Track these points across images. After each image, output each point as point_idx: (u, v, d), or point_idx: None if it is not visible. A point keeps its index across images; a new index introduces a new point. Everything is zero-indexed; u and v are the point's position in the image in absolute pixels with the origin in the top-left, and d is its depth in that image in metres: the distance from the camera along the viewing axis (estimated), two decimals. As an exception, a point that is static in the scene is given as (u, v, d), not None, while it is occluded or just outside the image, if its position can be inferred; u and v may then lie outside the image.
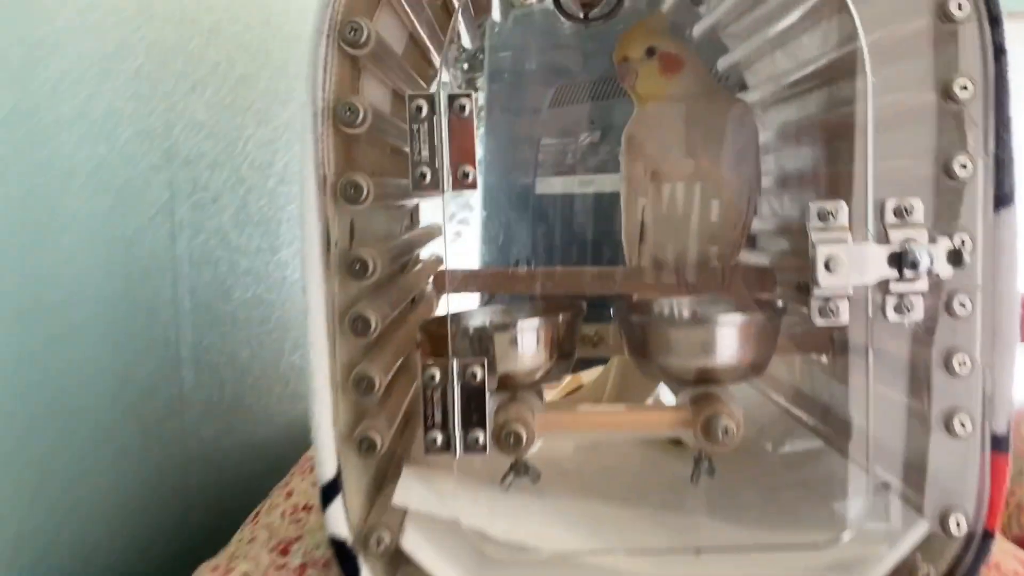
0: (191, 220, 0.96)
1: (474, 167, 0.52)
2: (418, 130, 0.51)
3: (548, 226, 1.40)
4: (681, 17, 0.95)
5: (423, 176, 0.52)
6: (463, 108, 0.51)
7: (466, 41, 0.92)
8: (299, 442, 0.86)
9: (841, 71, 0.67)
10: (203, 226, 0.99)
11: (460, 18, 0.82)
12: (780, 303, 0.70)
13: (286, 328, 1.18)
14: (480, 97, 1.60)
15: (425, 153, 0.52)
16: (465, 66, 1.47)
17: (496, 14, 0.92)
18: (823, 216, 0.53)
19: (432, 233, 0.87)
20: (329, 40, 0.52)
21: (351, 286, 0.53)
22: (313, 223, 0.51)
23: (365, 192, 0.52)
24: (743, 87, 0.96)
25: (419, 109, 0.51)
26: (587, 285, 0.85)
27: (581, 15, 0.92)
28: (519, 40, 1.38)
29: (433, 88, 0.61)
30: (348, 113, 0.51)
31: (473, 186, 0.51)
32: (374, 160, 0.60)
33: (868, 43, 0.55)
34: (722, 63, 0.95)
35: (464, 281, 0.83)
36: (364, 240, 0.56)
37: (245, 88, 1.09)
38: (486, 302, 0.83)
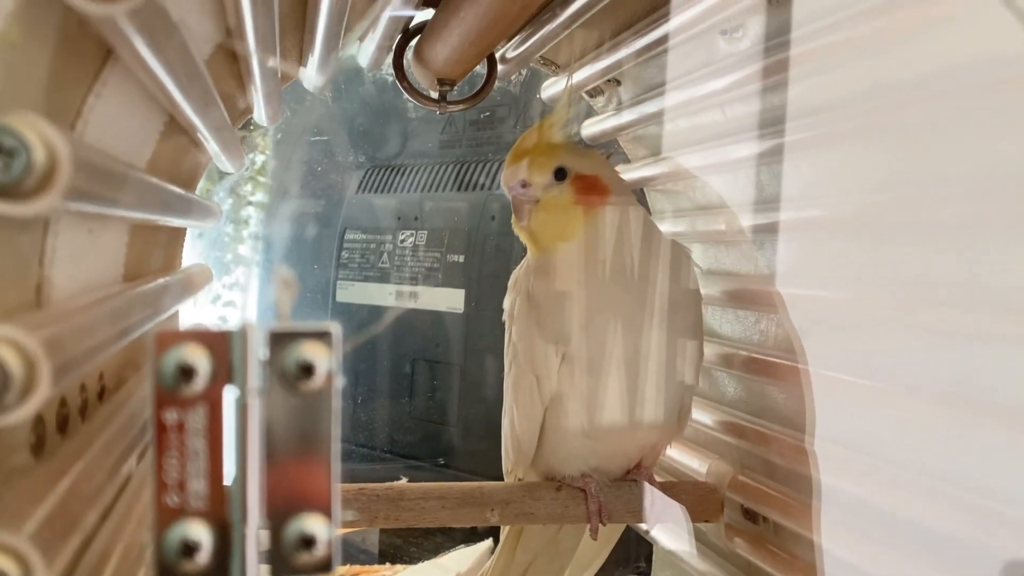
0: None
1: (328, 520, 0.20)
2: (174, 410, 0.19)
3: (349, 346, 1.07)
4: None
5: (187, 551, 0.19)
6: (309, 370, 0.20)
7: (261, 116, 0.59)
8: None
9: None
10: None
11: (257, 86, 0.50)
12: None
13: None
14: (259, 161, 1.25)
15: (193, 471, 0.20)
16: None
17: (310, 83, 0.60)
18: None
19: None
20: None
21: None
22: None
23: None
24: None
25: (185, 375, 0.19)
26: (446, 514, 0.54)
27: (436, 96, 0.63)
28: (327, 106, 1.06)
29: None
30: None
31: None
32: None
33: None
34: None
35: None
36: None
37: None
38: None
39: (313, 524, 0.19)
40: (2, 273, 0.23)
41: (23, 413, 0.18)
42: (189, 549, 0.19)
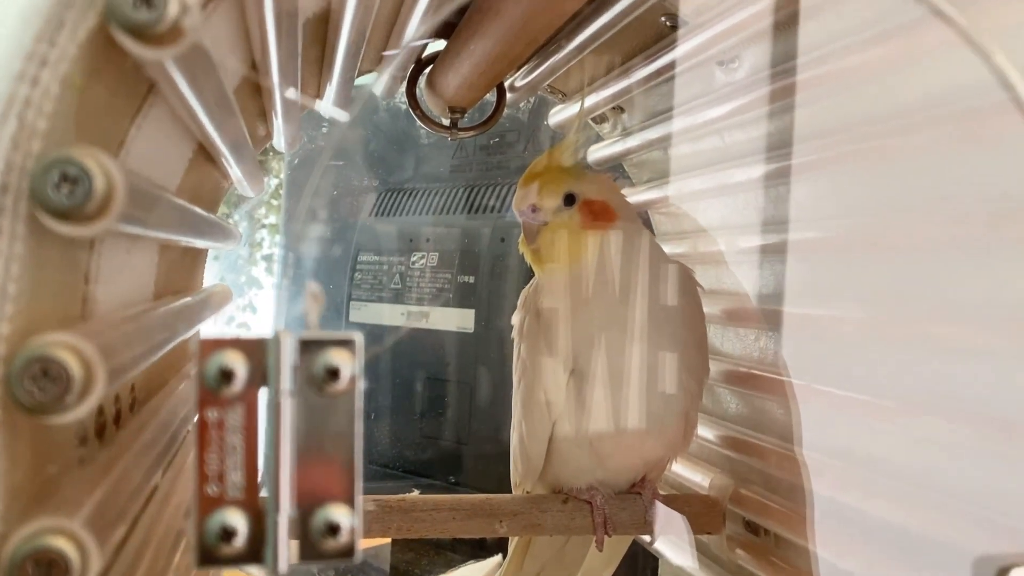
0: None
1: (350, 512, 0.22)
2: (222, 416, 0.22)
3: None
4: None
5: (226, 536, 0.21)
6: (335, 374, 0.22)
7: (280, 143, 0.62)
8: None
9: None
10: None
11: (279, 115, 0.53)
12: None
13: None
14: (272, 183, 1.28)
15: (231, 464, 0.22)
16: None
17: (326, 110, 0.63)
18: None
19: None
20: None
21: None
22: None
23: None
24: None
25: (225, 378, 0.21)
26: (457, 525, 0.56)
27: (447, 123, 0.65)
28: (341, 132, 1.09)
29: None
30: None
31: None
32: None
33: None
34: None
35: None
36: None
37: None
38: None
39: (338, 513, 0.21)
40: (57, 288, 0.25)
41: (81, 411, 0.21)
42: (227, 534, 0.21)
